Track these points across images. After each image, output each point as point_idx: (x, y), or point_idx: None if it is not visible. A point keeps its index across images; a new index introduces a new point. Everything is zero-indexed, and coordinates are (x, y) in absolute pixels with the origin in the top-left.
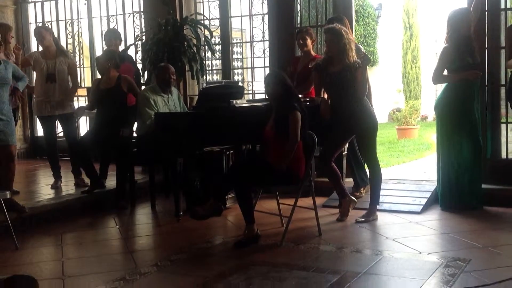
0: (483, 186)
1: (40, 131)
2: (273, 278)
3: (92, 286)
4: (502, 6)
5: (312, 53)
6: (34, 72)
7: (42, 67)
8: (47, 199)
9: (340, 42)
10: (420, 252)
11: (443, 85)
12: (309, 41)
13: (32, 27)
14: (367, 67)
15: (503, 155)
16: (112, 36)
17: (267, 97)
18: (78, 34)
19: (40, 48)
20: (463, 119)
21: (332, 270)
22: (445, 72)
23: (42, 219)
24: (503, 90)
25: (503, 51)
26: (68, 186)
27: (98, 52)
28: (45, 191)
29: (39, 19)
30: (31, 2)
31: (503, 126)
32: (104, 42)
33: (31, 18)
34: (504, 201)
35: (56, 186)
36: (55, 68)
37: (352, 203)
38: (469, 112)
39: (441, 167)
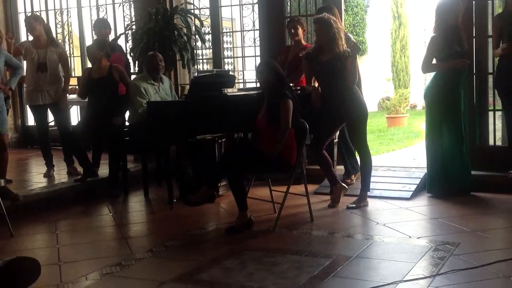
0: (472, 172)
1: (31, 121)
2: (267, 263)
3: (88, 271)
4: None
5: (303, 42)
6: (25, 62)
7: (33, 57)
8: (40, 188)
9: (329, 32)
10: (410, 237)
11: (432, 74)
12: (300, 31)
13: (21, 17)
14: (357, 56)
15: (491, 142)
16: (101, 26)
17: (259, 85)
18: (68, 24)
19: (30, 38)
20: (452, 107)
21: (325, 254)
22: (434, 61)
23: (36, 207)
24: (490, 79)
25: (490, 39)
26: (61, 175)
27: (88, 41)
28: (37, 179)
29: (28, 9)
30: None
31: (490, 114)
32: (93, 32)
33: (20, 8)
34: (492, 187)
35: (48, 175)
36: (46, 58)
37: (343, 189)
38: (457, 100)
39: (430, 154)
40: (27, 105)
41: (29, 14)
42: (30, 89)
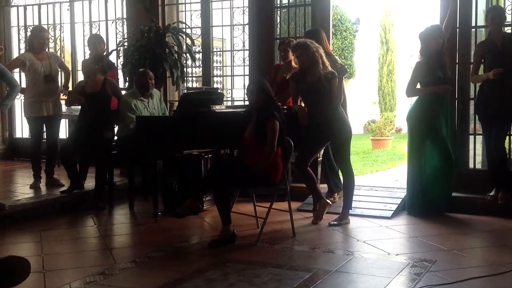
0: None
1: (19, 133)
2: (248, 274)
3: (72, 279)
4: (473, 24)
5: (293, 64)
6: (23, 73)
7: (38, 69)
8: (26, 198)
9: (307, 55)
10: (389, 253)
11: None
12: (290, 53)
13: (14, 31)
14: (344, 78)
15: (471, 165)
16: (96, 41)
17: (249, 104)
18: (60, 39)
19: (21, 51)
20: (433, 129)
21: (305, 268)
22: (418, 86)
23: (21, 217)
24: (472, 104)
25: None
26: (47, 187)
27: (80, 57)
28: (23, 190)
29: (22, 23)
30: (14, 6)
31: (471, 138)
32: (88, 48)
33: (14, 22)
34: (470, 208)
35: (35, 186)
36: (51, 69)
37: (327, 206)
38: (438, 124)
39: (410, 174)
40: (27, 117)
41: (22, 28)
42: (34, 100)
